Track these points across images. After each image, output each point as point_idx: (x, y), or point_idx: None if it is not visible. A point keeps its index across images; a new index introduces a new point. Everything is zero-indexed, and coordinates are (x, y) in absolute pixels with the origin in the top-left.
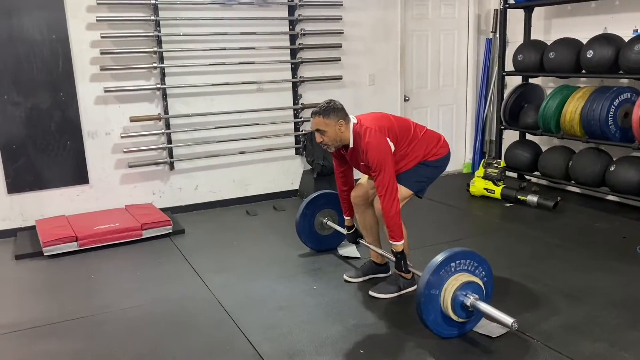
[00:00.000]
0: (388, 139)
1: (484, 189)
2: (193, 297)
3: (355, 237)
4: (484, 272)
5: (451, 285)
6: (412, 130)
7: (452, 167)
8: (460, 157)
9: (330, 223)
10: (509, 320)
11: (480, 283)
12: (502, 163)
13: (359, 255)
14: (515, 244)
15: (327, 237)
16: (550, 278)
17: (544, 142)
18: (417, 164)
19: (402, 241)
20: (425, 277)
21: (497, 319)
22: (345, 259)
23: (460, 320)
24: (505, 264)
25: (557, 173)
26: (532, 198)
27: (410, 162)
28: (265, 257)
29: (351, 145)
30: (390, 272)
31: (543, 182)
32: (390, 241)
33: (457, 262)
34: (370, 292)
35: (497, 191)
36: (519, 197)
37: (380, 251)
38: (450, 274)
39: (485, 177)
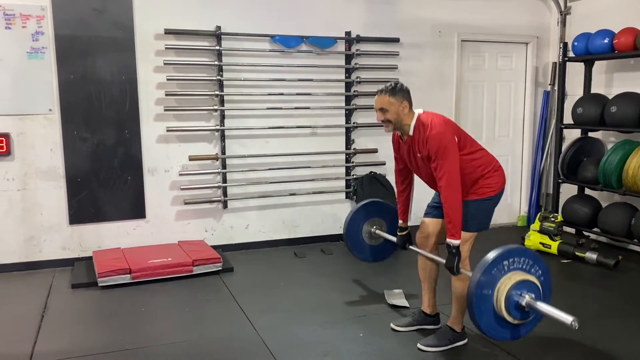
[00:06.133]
0: (454, 135)
1: (540, 243)
2: (239, 336)
3: (405, 241)
4: (540, 271)
5: (504, 284)
6: (474, 143)
7: (506, 219)
8: (515, 209)
9: (379, 232)
10: (568, 318)
11: (537, 282)
12: (560, 217)
13: (408, 305)
14: (573, 303)
15: (376, 247)
16: (612, 341)
17: (603, 198)
18: (472, 202)
19: (460, 240)
20: (477, 276)
21: (556, 318)
22: (394, 307)
23: (516, 321)
24: (563, 324)
25: (619, 230)
26: (591, 255)
27: (465, 178)
28: (312, 300)
29: (411, 133)
30: (440, 325)
31: (602, 239)
32: (448, 238)
33: (510, 260)
34: (419, 345)
35: (554, 246)
36: (577, 253)
37: (430, 255)
38: (502, 272)
39: (542, 231)
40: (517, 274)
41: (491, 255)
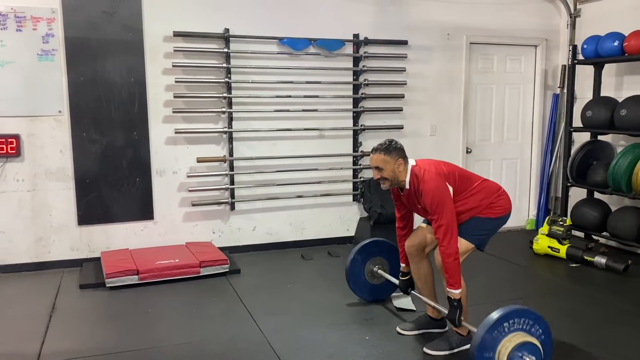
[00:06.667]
0: (447, 184)
1: (549, 247)
2: (245, 338)
3: (407, 286)
4: (540, 331)
5: (505, 347)
6: (472, 179)
7: (515, 223)
8: (523, 213)
9: (381, 272)
10: None
11: (537, 343)
12: (568, 221)
13: (414, 308)
14: (581, 307)
15: (377, 287)
16: (620, 346)
17: (613, 202)
18: (476, 217)
19: (460, 289)
20: (477, 340)
21: None
22: (400, 310)
23: None
24: (571, 328)
25: (628, 234)
26: (600, 259)
27: (469, 213)
28: (318, 302)
29: (407, 187)
30: (446, 328)
31: (612, 243)
32: (448, 288)
33: (511, 321)
34: (425, 349)
35: (562, 250)
36: (585, 257)
37: (432, 303)
38: (503, 334)
39: (550, 235)
40: (517, 336)
41: (491, 317)
